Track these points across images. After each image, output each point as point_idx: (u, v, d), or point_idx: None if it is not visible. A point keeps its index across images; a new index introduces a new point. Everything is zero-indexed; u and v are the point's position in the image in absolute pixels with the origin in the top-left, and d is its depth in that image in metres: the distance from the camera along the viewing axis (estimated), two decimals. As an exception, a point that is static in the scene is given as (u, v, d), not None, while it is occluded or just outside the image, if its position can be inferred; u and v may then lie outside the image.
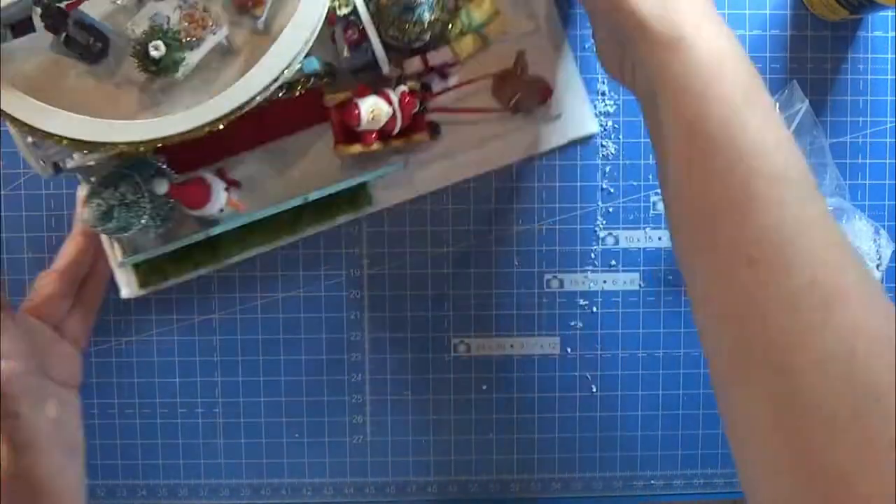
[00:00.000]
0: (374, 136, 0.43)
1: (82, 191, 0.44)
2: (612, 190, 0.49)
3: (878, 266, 0.48)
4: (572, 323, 0.50)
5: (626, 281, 0.50)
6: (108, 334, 0.49)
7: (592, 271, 0.50)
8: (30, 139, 0.40)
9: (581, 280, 0.50)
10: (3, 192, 0.49)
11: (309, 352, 0.50)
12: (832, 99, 0.49)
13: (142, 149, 0.38)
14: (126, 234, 0.43)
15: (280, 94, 0.41)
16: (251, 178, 0.46)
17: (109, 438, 0.50)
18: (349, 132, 0.43)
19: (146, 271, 0.46)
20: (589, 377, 0.50)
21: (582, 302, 0.50)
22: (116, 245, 0.46)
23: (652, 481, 0.51)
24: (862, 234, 0.48)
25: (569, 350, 0.50)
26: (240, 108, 0.38)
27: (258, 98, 0.38)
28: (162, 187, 0.41)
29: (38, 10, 0.37)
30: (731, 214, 0.31)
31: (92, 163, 0.42)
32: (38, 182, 0.48)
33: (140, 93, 0.39)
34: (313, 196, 0.44)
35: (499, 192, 0.49)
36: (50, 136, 0.37)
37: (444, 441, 0.50)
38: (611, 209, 0.49)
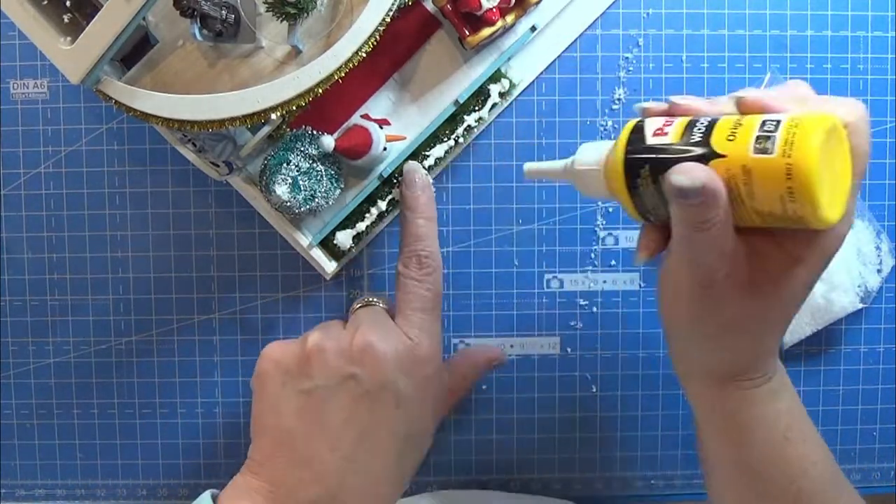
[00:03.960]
0: (496, 12, 0.44)
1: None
2: (612, 190, 0.49)
3: (878, 271, 0.48)
4: (572, 323, 0.50)
5: (626, 281, 0.50)
6: (108, 334, 0.49)
7: (592, 271, 0.50)
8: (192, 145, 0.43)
9: (581, 280, 0.50)
10: (3, 192, 0.49)
11: (309, 352, 0.50)
12: (832, 99, 0.49)
13: (303, 103, 0.40)
14: (315, 204, 0.44)
15: (396, 15, 0.42)
16: (390, 114, 0.48)
17: (109, 438, 0.50)
18: (471, 21, 0.44)
19: (333, 246, 0.47)
20: (589, 377, 0.50)
21: (582, 302, 0.50)
22: (299, 233, 0.47)
23: (652, 481, 0.51)
24: (863, 235, 0.48)
25: (569, 350, 0.50)
26: (374, 33, 0.40)
27: (386, 19, 0.40)
28: (328, 143, 0.43)
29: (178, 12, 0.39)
30: None
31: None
32: (38, 182, 0.48)
33: (277, 59, 0.42)
34: (463, 97, 0.46)
35: (499, 191, 0.49)
36: (211, 123, 0.40)
37: (445, 441, 0.50)
38: (611, 209, 0.49)
